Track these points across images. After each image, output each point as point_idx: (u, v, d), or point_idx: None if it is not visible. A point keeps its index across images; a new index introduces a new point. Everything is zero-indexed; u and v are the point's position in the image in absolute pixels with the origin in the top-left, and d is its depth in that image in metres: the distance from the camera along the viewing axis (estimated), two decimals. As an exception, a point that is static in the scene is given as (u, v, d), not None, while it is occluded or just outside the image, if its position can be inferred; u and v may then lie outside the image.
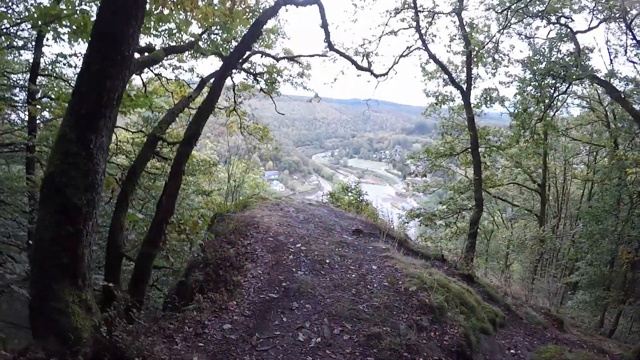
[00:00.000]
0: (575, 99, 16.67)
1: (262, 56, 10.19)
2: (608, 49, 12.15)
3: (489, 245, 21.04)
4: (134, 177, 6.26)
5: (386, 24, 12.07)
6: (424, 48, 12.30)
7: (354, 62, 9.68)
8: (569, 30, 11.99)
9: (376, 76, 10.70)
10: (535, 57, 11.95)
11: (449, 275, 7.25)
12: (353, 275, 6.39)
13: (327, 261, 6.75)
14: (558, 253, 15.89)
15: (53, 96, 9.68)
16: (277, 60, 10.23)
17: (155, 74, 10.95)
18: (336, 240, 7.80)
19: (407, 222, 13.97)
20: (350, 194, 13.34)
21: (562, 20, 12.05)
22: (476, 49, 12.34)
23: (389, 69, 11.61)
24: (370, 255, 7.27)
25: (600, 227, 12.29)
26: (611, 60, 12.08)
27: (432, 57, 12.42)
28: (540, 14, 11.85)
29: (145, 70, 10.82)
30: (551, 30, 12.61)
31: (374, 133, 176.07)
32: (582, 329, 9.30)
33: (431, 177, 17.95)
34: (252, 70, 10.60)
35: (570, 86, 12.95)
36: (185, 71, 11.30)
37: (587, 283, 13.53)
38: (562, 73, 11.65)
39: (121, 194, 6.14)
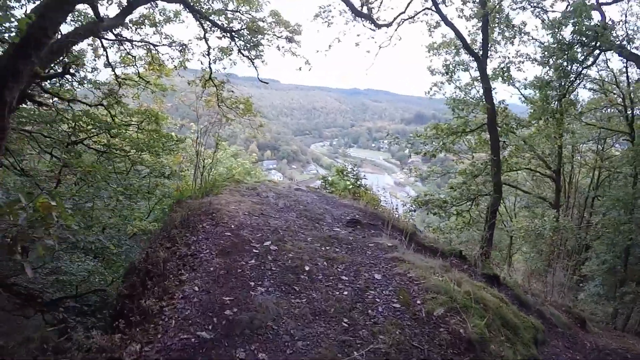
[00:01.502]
0: (587, 82, 15.66)
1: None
2: (626, 27, 11.34)
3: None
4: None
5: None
6: (434, 9, 10.55)
7: (348, 4, 7.97)
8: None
9: (378, 26, 9.01)
10: (563, 20, 10.36)
11: (472, 277, 5.51)
12: (345, 293, 4.21)
13: (307, 268, 4.57)
14: (567, 243, 14.60)
15: None
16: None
17: (115, 35, 9.24)
18: (324, 235, 5.66)
19: (414, 211, 12.39)
20: (346, 177, 11.61)
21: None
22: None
23: (394, 19, 9.88)
24: (371, 256, 5.19)
25: (631, 217, 10.95)
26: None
27: (444, 18, 10.63)
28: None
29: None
30: (569, 4, 11.55)
31: (373, 122, 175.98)
32: (602, 326, 8.57)
33: (431, 164, 16.58)
34: (228, 27, 8.85)
35: (599, 57, 12.20)
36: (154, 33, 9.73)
37: (605, 274, 12.38)
38: (593, 42, 10.54)
39: None
